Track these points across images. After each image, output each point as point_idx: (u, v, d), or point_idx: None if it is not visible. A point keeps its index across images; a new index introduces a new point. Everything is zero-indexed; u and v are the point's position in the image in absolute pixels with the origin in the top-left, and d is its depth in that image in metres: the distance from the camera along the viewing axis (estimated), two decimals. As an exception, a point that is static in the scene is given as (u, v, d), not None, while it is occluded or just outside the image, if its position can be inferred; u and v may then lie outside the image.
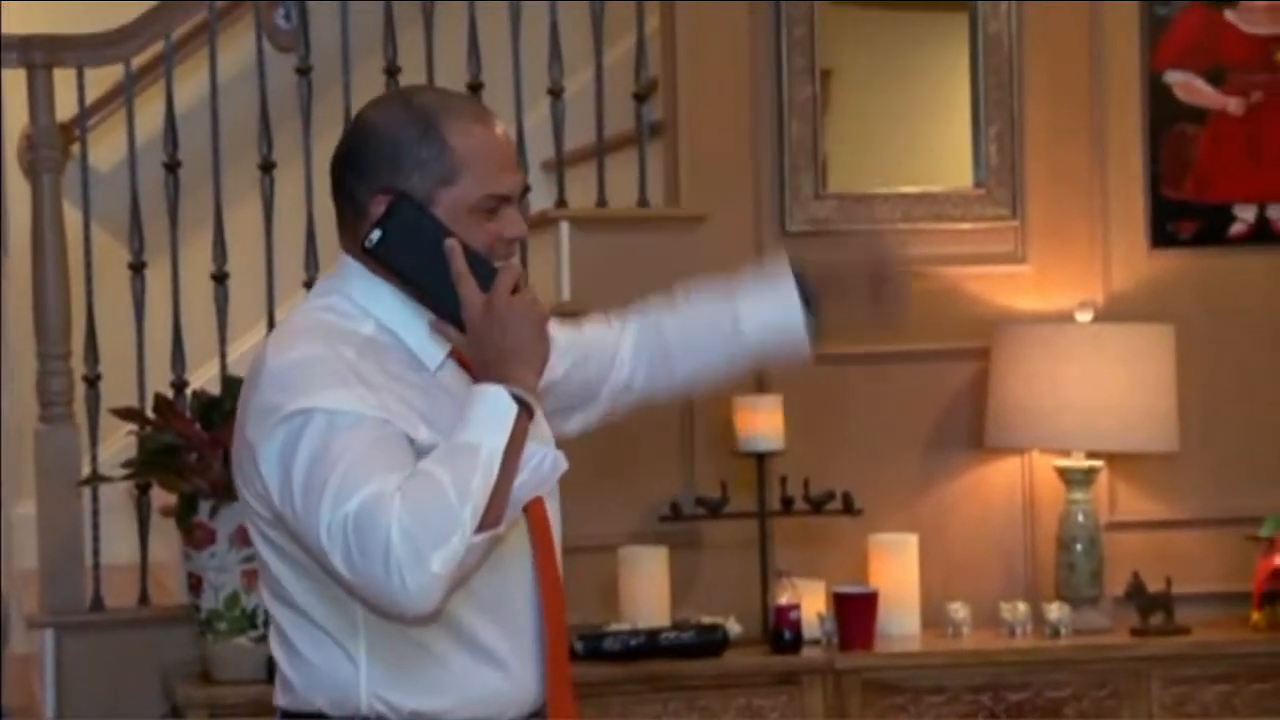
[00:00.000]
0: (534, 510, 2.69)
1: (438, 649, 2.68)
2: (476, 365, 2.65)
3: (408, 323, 2.71)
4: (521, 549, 2.72)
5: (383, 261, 2.66)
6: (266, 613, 2.81)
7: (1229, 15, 5.14)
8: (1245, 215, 5.16)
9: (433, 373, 2.72)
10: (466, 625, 2.69)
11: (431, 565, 2.47)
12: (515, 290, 2.64)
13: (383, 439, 2.58)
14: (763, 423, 4.76)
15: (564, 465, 2.64)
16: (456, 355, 2.71)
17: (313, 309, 2.77)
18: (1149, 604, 4.82)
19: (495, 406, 2.57)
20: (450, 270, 2.63)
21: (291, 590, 2.69)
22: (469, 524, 2.49)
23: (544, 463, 2.61)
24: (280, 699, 2.78)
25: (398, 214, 2.65)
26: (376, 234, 2.64)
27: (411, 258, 2.65)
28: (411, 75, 4.91)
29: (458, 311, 2.64)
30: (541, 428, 2.69)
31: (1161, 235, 5.14)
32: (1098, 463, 4.92)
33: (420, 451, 2.59)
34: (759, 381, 4.88)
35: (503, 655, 2.73)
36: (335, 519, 2.50)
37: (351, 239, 2.72)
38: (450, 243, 2.64)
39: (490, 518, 2.53)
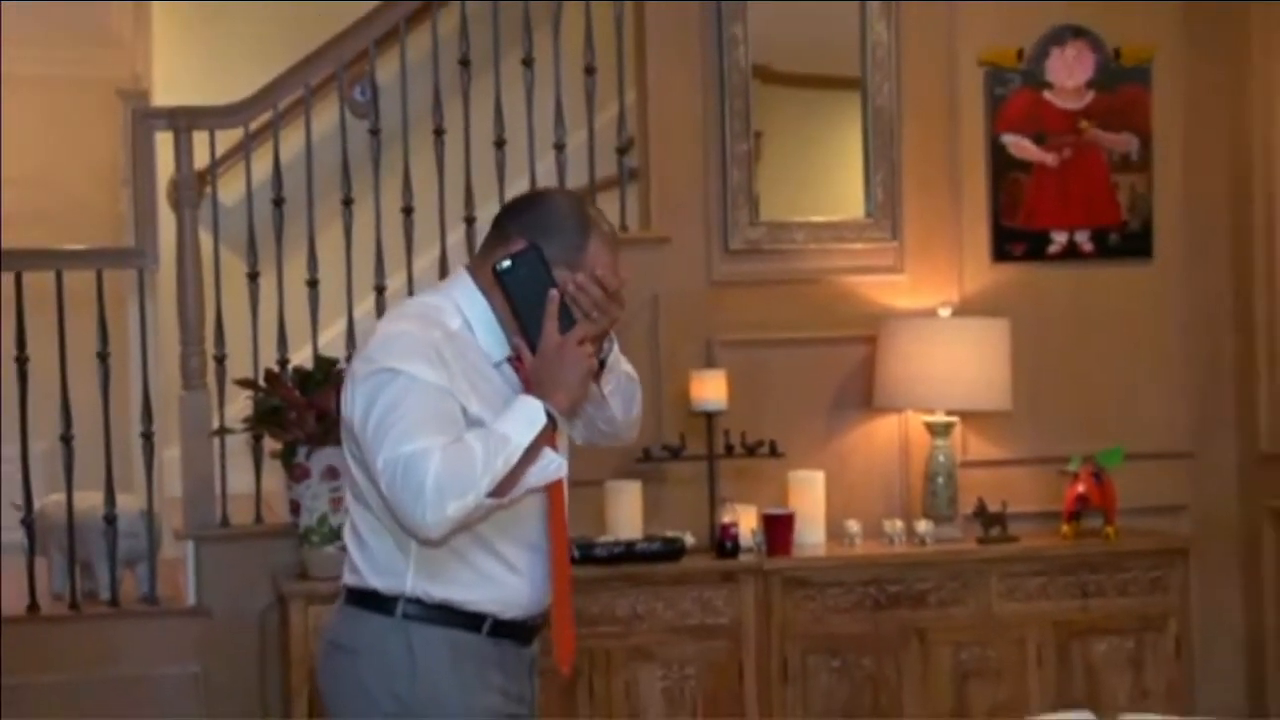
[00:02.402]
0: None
1: (469, 555, 2.70)
2: (531, 380, 2.66)
3: (485, 326, 2.73)
4: (538, 493, 2.72)
5: (501, 282, 2.67)
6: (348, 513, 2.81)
7: (1047, 95, 5.13)
8: (1059, 238, 5.15)
9: (494, 366, 2.72)
10: (492, 540, 2.71)
11: (448, 509, 2.51)
12: (581, 343, 2.65)
13: (442, 407, 2.60)
14: (711, 390, 4.75)
15: (565, 471, 2.68)
16: (516, 363, 2.72)
17: (422, 301, 2.81)
18: (989, 520, 4.82)
19: (531, 415, 2.60)
20: (544, 309, 2.64)
21: (367, 495, 2.71)
22: (484, 489, 2.53)
23: (551, 465, 2.64)
24: (347, 578, 2.79)
25: (528, 257, 2.67)
26: (508, 263, 2.67)
27: (523, 289, 2.67)
28: (454, 135, 4.88)
29: (536, 339, 2.66)
30: (562, 440, 2.71)
31: (1000, 253, 5.12)
32: (954, 419, 4.91)
33: (470, 419, 2.62)
34: (709, 359, 4.89)
35: (519, 565, 2.75)
36: (393, 455, 2.53)
37: (482, 260, 2.74)
38: (553, 291, 2.66)
39: (501, 490, 2.56)
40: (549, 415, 2.61)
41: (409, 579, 2.69)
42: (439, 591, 2.69)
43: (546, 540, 2.76)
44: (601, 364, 2.79)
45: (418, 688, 2.68)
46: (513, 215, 2.77)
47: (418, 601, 2.69)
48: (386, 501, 2.59)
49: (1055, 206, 5.13)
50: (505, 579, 2.73)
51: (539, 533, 2.76)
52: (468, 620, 2.71)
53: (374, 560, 2.73)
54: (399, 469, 2.52)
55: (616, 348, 2.85)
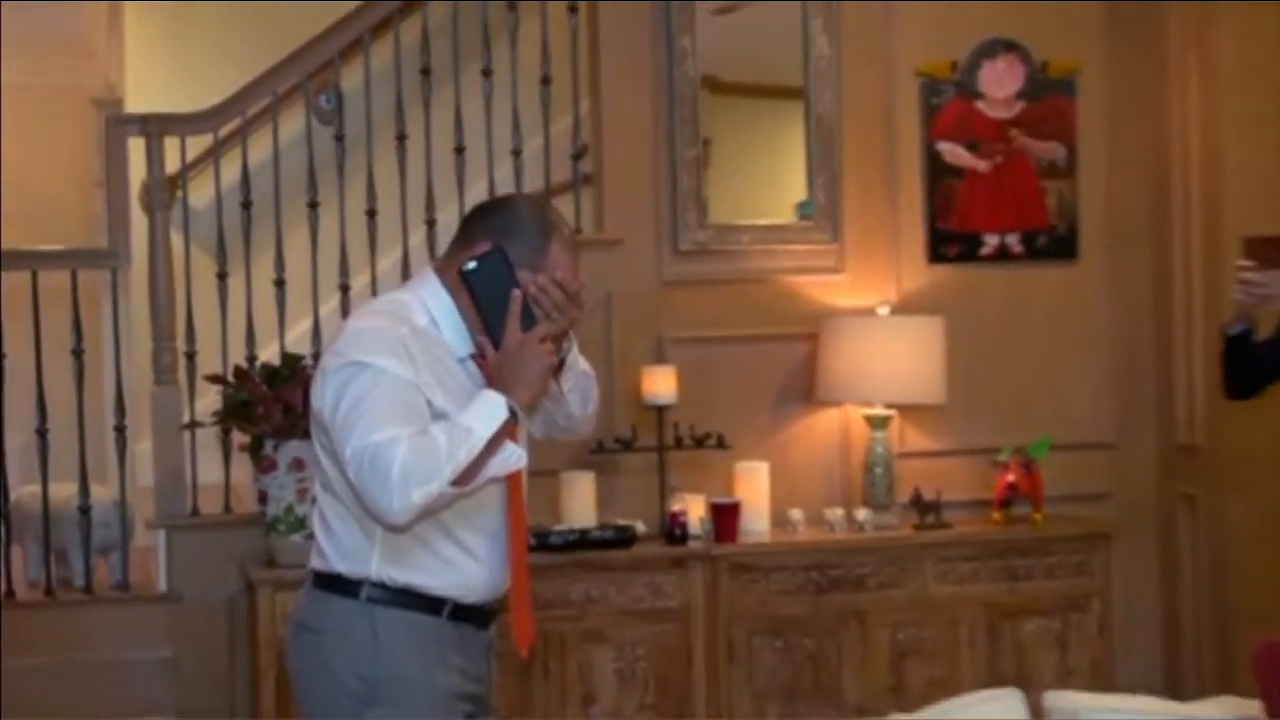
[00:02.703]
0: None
1: (431, 542, 2.71)
2: (494, 376, 2.68)
3: (450, 324, 2.75)
4: (499, 483, 2.75)
5: (466, 282, 2.69)
6: (314, 500, 2.83)
7: (979, 105, 5.16)
8: (991, 241, 5.18)
9: (459, 361, 2.74)
10: (453, 528, 2.72)
11: (413, 496, 2.53)
12: (542, 341, 2.67)
13: (408, 399, 2.62)
14: (661, 384, 4.76)
15: (525, 462, 2.70)
16: (479, 360, 2.74)
17: (390, 299, 2.82)
18: (925, 508, 4.85)
19: (494, 408, 2.62)
20: (508, 309, 2.66)
21: (335, 483, 2.72)
22: (447, 478, 2.55)
23: (511, 457, 2.66)
24: (314, 563, 2.81)
25: (493, 258, 2.68)
26: (473, 264, 2.68)
27: (488, 288, 2.68)
28: (416, 141, 4.90)
29: (500, 337, 2.67)
30: (522, 433, 2.73)
31: (936, 255, 5.15)
32: (892, 412, 4.93)
33: (435, 411, 2.63)
34: (659, 355, 4.92)
35: (479, 552, 2.76)
36: (361, 444, 2.55)
37: (448, 261, 2.77)
38: (515, 291, 2.67)
39: (463, 480, 2.58)
40: (510, 409, 2.63)
41: (374, 564, 2.71)
42: (402, 576, 2.71)
43: (505, 528, 2.78)
44: (561, 362, 2.81)
45: (380, 667, 2.70)
46: (478, 219, 2.79)
47: (382, 586, 2.71)
48: (354, 489, 2.61)
49: (987, 211, 5.16)
50: (465, 565, 2.75)
51: (499, 521, 2.78)
52: (429, 604, 2.72)
53: (340, 546, 2.74)
54: (367, 457, 2.54)
55: (575, 347, 2.88)
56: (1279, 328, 4.14)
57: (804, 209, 5.10)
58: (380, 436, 2.54)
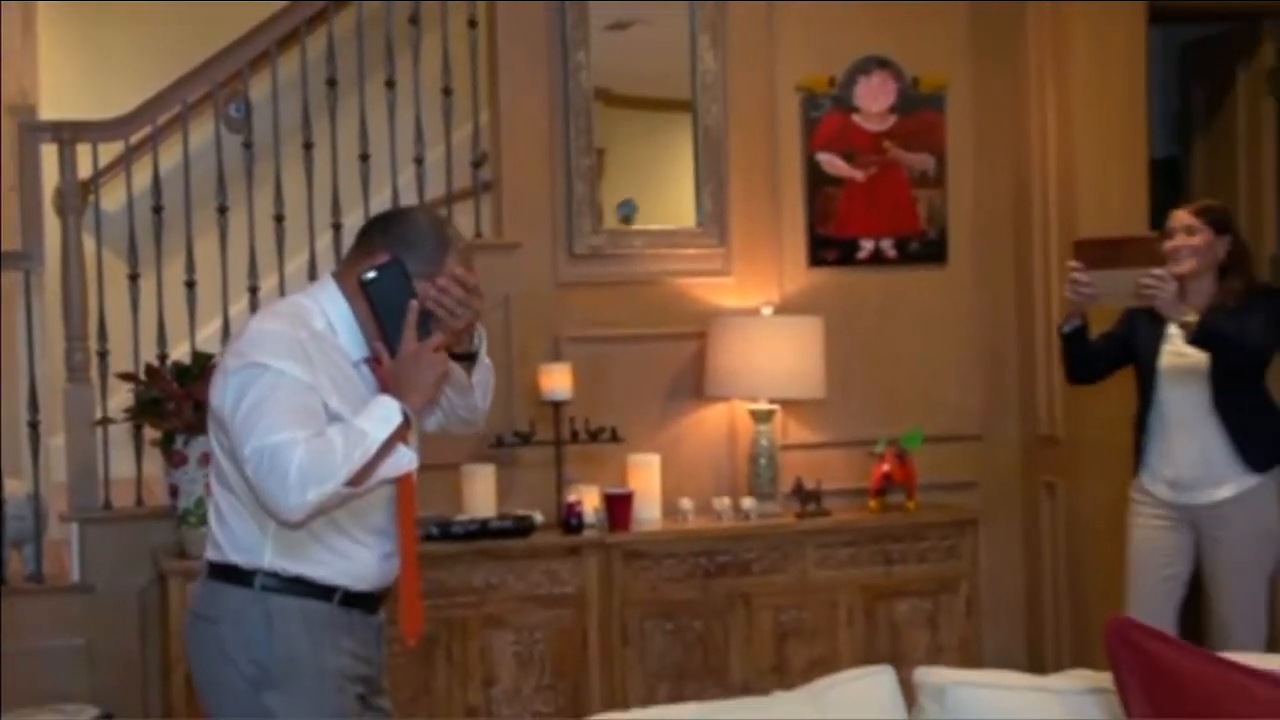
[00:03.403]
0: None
1: (324, 536, 2.71)
2: (389, 381, 2.67)
3: (346, 329, 2.73)
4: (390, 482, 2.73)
5: (365, 291, 2.66)
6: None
7: (855, 118, 5.19)
8: (867, 245, 5.21)
9: (353, 365, 2.72)
10: (345, 524, 2.71)
11: (309, 495, 2.52)
12: (437, 350, 2.66)
13: (306, 401, 2.60)
14: (558, 381, 4.75)
15: (415, 465, 2.69)
16: (373, 365, 2.72)
17: (291, 302, 2.80)
18: (806, 497, 4.88)
19: (388, 413, 2.62)
20: (405, 318, 2.64)
21: (230, 477, 2.69)
22: (341, 478, 2.54)
23: (403, 459, 2.66)
24: (210, 554, 2.78)
25: (392, 269, 2.66)
26: (373, 273, 2.66)
27: (386, 298, 2.66)
28: (322, 149, 4.84)
29: (396, 344, 2.65)
30: (413, 436, 2.71)
31: (816, 258, 5.17)
32: (775, 406, 4.95)
33: (330, 413, 2.62)
34: (555, 353, 4.91)
35: (369, 544, 2.76)
36: (260, 444, 2.53)
37: (348, 269, 2.74)
38: (413, 302, 2.65)
39: (356, 480, 2.57)
40: (404, 414, 2.62)
41: (267, 555, 2.69)
42: (294, 567, 2.70)
43: (394, 524, 2.77)
44: (473, 356, 2.82)
45: (275, 652, 2.68)
46: (378, 229, 2.77)
47: (274, 575, 2.69)
48: (251, 486, 2.58)
49: (863, 217, 5.19)
50: (356, 555, 2.74)
51: (387, 518, 2.77)
52: (320, 591, 2.71)
53: (235, 539, 2.72)
54: (266, 457, 2.52)
55: (485, 343, 2.87)
56: (1117, 324, 4.27)
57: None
58: (279, 438, 2.52)
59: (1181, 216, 4.13)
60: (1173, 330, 4.07)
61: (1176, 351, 4.11)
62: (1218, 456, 4.07)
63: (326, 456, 2.52)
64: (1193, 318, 3.93)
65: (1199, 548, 4.14)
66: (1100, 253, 4.00)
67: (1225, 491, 4.07)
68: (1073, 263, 4.02)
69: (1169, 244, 4.08)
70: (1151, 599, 4.16)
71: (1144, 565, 4.20)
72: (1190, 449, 4.11)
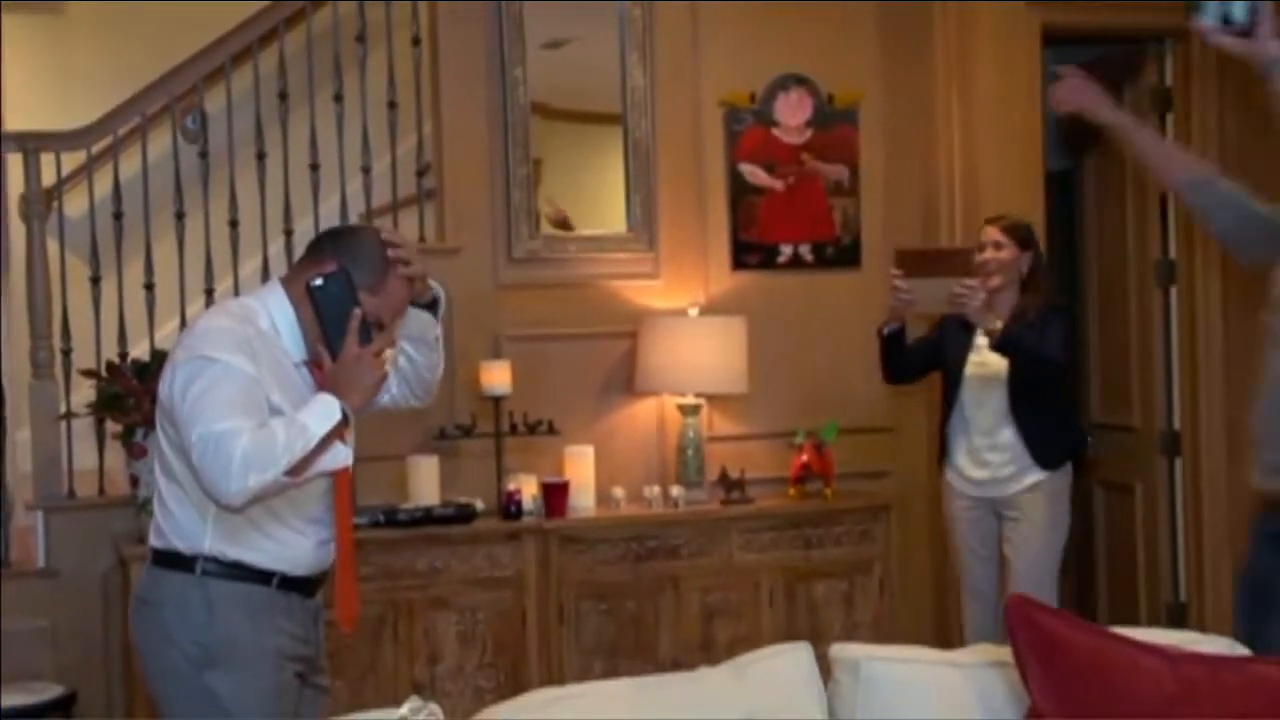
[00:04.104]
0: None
1: (262, 524, 2.71)
2: (330, 382, 2.68)
3: (289, 331, 2.74)
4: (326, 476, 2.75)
5: (311, 297, 2.67)
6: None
7: (775, 131, 5.22)
8: (787, 250, 5.24)
9: (295, 365, 2.73)
10: (282, 513, 2.72)
11: (249, 481, 2.52)
12: (376, 355, 2.68)
13: (251, 393, 2.60)
14: (497, 377, 4.75)
15: (350, 461, 2.70)
16: (312, 367, 2.74)
17: (239, 302, 2.81)
18: (731, 485, 4.89)
19: (328, 410, 2.62)
20: (348, 324, 2.65)
21: (175, 467, 2.69)
22: (282, 467, 2.55)
23: (339, 454, 2.67)
24: (153, 541, 2.78)
25: (338, 278, 2.67)
26: (320, 280, 2.67)
27: (331, 305, 2.67)
28: (274, 158, 4.82)
29: (339, 348, 2.66)
30: (350, 434, 2.72)
31: (739, 262, 5.18)
32: (701, 401, 4.97)
33: (272, 407, 2.63)
34: (495, 351, 4.92)
35: (305, 532, 2.76)
36: (206, 431, 2.53)
37: (296, 275, 2.76)
38: (356, 310, 2.67)
39: (295, 471, 2.57)
40: (343, 412, 2.63)
41: (207, 541, 2.69)
42: (233, 553, 2.70)
43: (330, 514, 2.78)
44: (436, 302, 2.88)
45: (216, 633, 2.68)
46: (329, 241, 2.79)
47: (215, 560, 2.69)
48: (195, 471, 2.58)
49: (783, 224, 5.22)
50: (293, 543, 2.74)
51: (323, 508, 2.78)
52: (259, 576, 2.72)
53: (177, 526, 2.71)
54: (211, 443, 2.52)
55: (444, 295, 2.92)
56: (931, 331, 4.41)
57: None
58: (225, 426, 2.53)
59: (991, 232, 4.33)
60: (979, 341, 4.24)
61: (980, 361, 4.29)
62: (1013, 456, 4.25)
63: (269, 446, 2.53)
64: (998, 325, 4.08)
65: (999, 533, 4.30)
66: (919, 262, 4.15)
67: (1020, 485, 4.25)
68: (894, 270, 4.14)
69: (980, 256, 4.22)
70: (975, 580, 4.39)
71: (963, 547, 4.42)
72: (988, 449, 4.29)
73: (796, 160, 5.24)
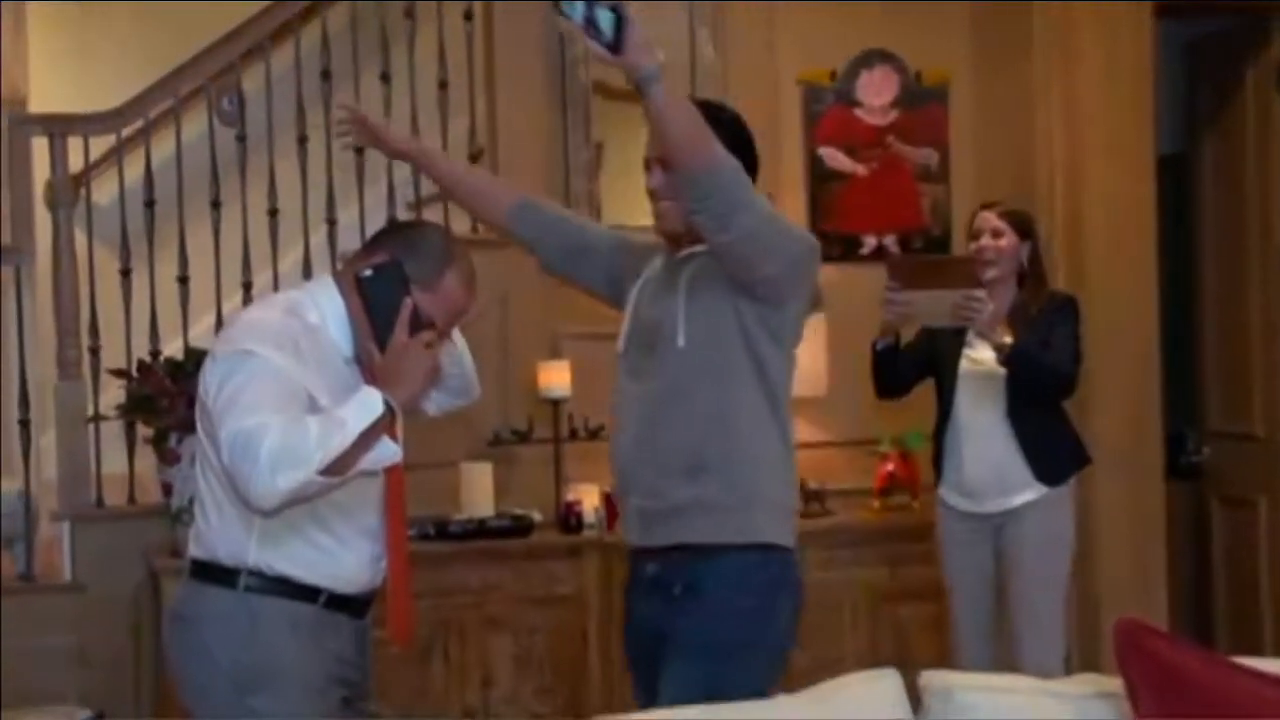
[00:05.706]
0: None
1: (308, 533, 2.70)
2: (377, 375, 2.67)
3: (338, 324, 2.76)
4: (376, 479, 2.73)
5: (361, 288, 2.69)
6: None
7: (858, 112, 5.22)
8: (870, 241, 5.25)
9: (345, 361, 2.73)
10: (330, 521, 2.71)
11: (279, 481, 2.50)
12: (428, 346, 2.68)
13: (289, 389, 2.60)
14: (556, 379, 4.76)
15: (400, 458, 2.69)
16: (362, 365, 2.73)
17: (287, 295, 2.83)
18: (809, 497, 4.85)
19: (369, 403, 2.61)
20: (397, 317, 2.66)
21: (215, 469, 2.69)
22: (316, 465, 2.52)
23: (386, 451, 2.65)
24: (193, 550, 2.77)
25: (390, 269, 2.70)
26: (370, 271, 2.70)
27: (380, 296, 2.69)
28: (316, 142, 4.81)
29: (386, 340, 2.66)
30: (399, 430, 2.71)
31: (819, 254, 5.20)
32: (776, 404, 4.96)
33: (317, 408, 2.62)
34: (554, 350, 4.90)
35: (355, 545, 2.75)
36: (235, 428, 2.53)
37: (348, 268, 2.80)
38: (407, 300, 2.68)
39: (334, 470, 2.55)
40: (389, 406, 2.61)
41: (251, 551, 2.68)
42: (279, 566, 2.69)
43: (383, 526, 2.77)
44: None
45: (259, 654, 2.67)
46: (386, 234, 2.85)
47: (258, 574, 2.68)
48: (226, 471, 2.57)
49: (866, 212, 5.21)
50: (341, 557, 2.73)
51: (376, 519, 2.76)
52: (305, 593, 2.70)
53: (218, 534, 2.71)
54: (240, 440, 2.52)
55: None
56: (915, 337, 4.33)
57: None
58: (254, 421, 2.52)
59: (989, 218, 4.18)
60: (973, 337, 4.10)
61: (974, 358, 4.15)
62: (1010, 465, 4.09)
63: (300, 442, 2.51)
64: (1007, 341, 3.98)
65: (995, 558, 4.15)
66: (916, 272, 4.07)
67: (1017, 500, 4.10)
68: (888, 282, 4.07)
69: (975, 244, 4.12)
70: (968, 613, 4.23)
71: (956, 578, 4.24)
72: (983, 456, 4.13)
73: (881, 143, 5.22)
